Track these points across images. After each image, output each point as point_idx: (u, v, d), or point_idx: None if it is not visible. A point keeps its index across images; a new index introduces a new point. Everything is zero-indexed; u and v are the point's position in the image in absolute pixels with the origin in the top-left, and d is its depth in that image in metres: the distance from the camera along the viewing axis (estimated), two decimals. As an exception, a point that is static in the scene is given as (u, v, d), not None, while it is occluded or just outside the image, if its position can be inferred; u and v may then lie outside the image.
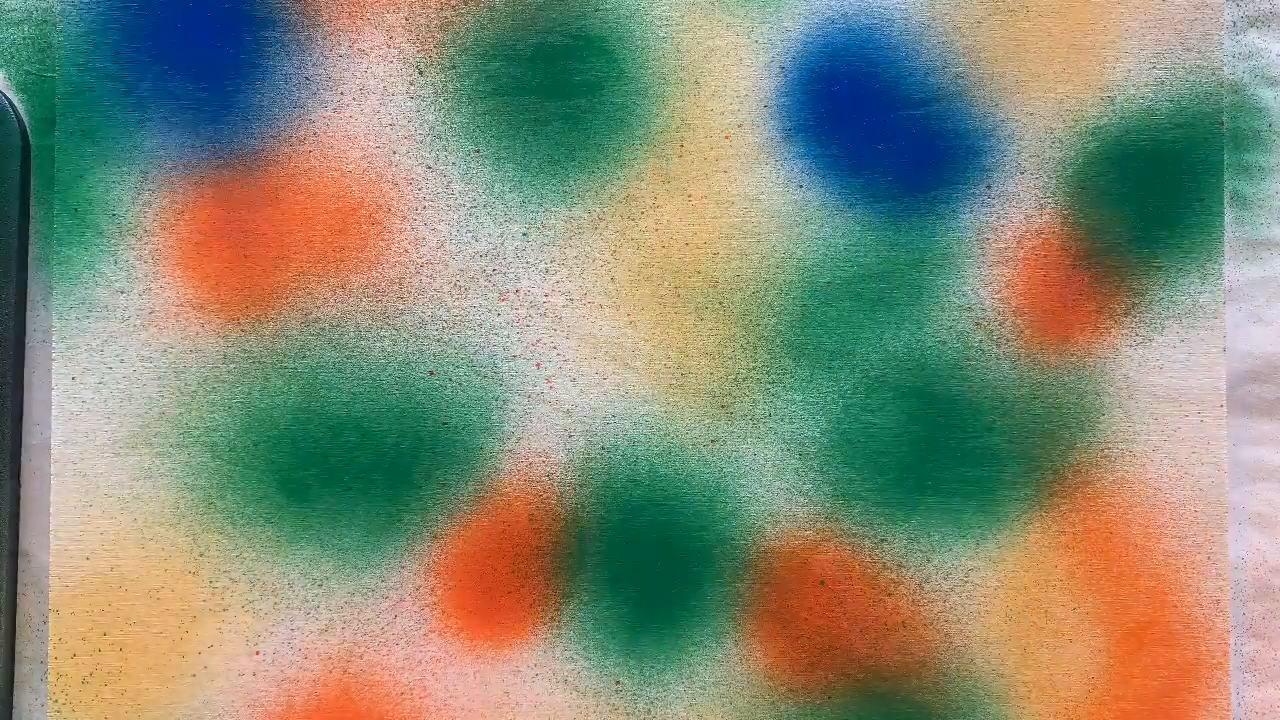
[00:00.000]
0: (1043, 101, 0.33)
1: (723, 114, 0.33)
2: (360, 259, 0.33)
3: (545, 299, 0.33)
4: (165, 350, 0.32)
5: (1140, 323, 0.33)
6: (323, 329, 0.32)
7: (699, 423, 0.33)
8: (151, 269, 0.32)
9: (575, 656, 0.33)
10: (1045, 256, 0.33)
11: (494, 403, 0.33)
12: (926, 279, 0.33)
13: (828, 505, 0.33)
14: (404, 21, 0.33)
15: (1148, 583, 0.33)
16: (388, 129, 0.33)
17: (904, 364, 0.33)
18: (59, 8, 0.33)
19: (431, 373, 0.33)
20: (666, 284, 0.33)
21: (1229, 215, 0.34)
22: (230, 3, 0.33)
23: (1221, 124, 0.33)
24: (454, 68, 0.33)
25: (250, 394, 0.32)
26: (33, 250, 0.33)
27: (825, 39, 0.33)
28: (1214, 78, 0.33)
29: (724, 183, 0.33)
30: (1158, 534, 0.33)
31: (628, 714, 0.32)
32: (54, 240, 0.32)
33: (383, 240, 0.33)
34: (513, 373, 0.33)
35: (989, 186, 0.33)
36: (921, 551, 0.33)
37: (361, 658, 0.32)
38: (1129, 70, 0.33)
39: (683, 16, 0.33)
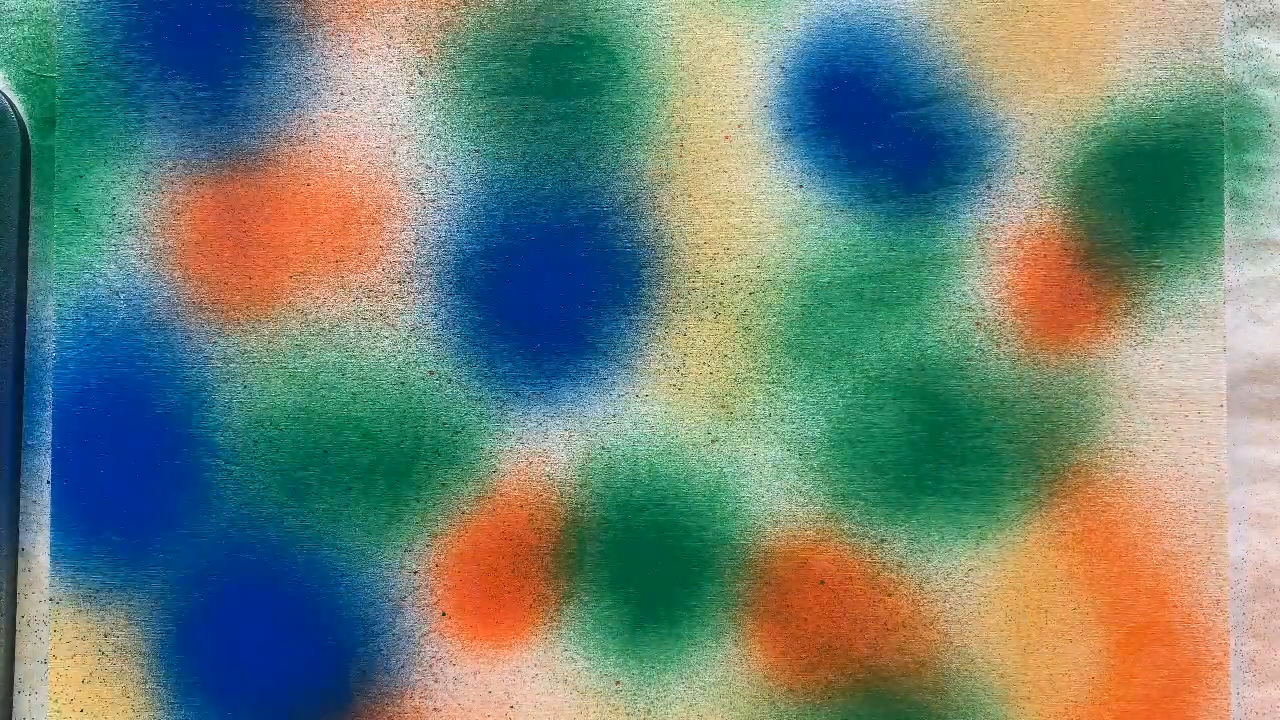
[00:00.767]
0: (1043, 101, 0.33)
1: (723, 114, 0.33)
2: (360, 259, 0.33)
3: (545, 299, 0.33)
4: (165, 350, 0.32)
5: (1140, 323, 0.33)
6: (323, 329, 0.32)
7: (699, 423, 0.33)
8: (151, 269, 0.32)
9: (575, 656, 0.33)
10: (1045, 256, 0.33)
11: (494, 403, 0.33)
12: (926, 279, 0.33)
13: (828, 505, 0.33)
14: (404, 21, 0.33)
15: (1148, 583, 0.33)
16: (388, 129, 0.33)
17: (904, 364, 0.33)
18: (59, 8, 0.33)
19: (431, 373, 0.33)
20: (666, 284, 0.33)
21: (1229, 215, 0.34)
22: (230, 3, 0.33)
23: (1221, 124, 0.33)
24: (454, 68, 0.33)
25: (250, 394, 0.32)
26: (33, 250, 0.33)
27: (825, 39, 0.33)
28: (1214, 78, 0.33)
29: (724, 183, 0.33)
30: (1158, 534, 0.33)
31: (628, 714, 0.32)
32: (54, 240, 0.32)
33: (383, 240, 0.33)
34: (513, 373, 0.33)
35: (989, 186, 0.33)
36: (921, 551, 0.33)
37: (362, 658, 0.32)
38: (1129, 70, 0.33)
39: (683, 16, 0.33)
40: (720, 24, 0.33)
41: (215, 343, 0.32)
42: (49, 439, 0.32)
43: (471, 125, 0.33)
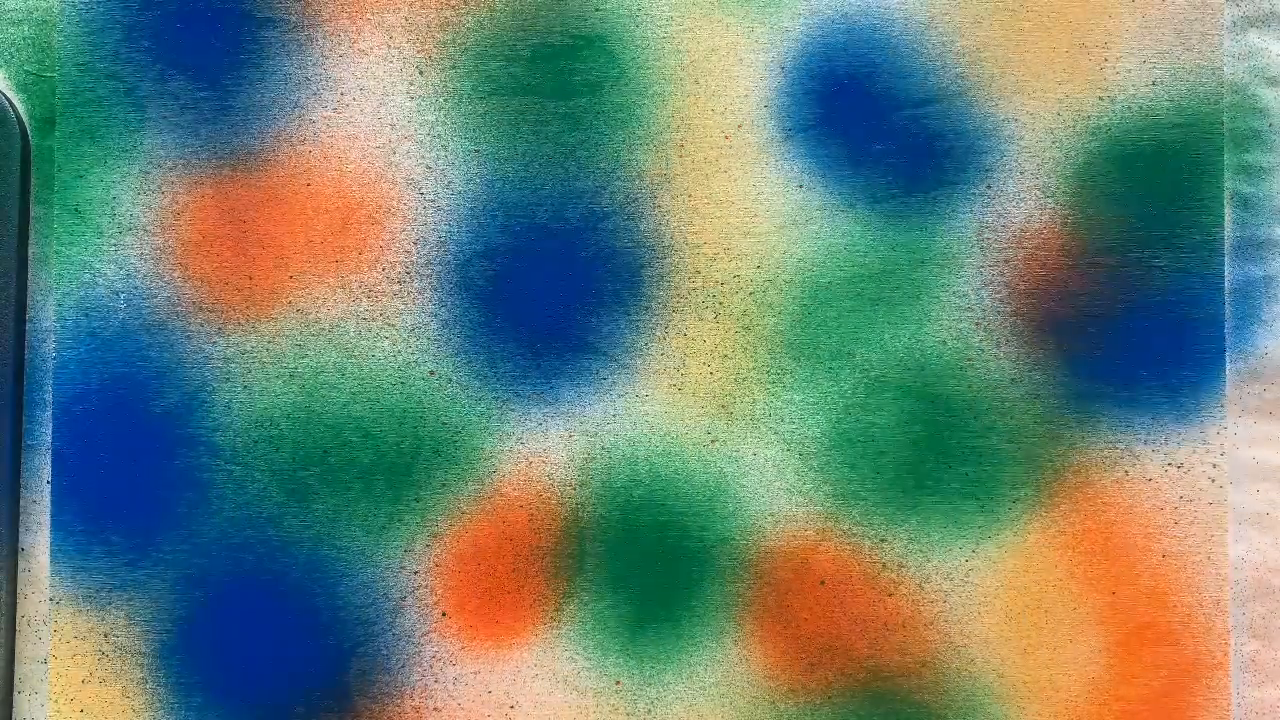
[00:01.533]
0: (1043, 101, 0.33)
1: (723, 114, 0.33)
2: (360, 259, 0.33)
3: (545, 299, 0.33)
4: (165, 350, 0.32)
5: (1140, 323, 0.33)
6: (323, 329, 0.32)
7: (699, 423, 0.33)
8: (151, 269, 0.32)
9: (575, 656, 0.33)
10: (1045, 256, 0.33)
11: (494, 403, 0.33)
12: (926, 279, 0.33)
13: (828, 505, 0.33)
14: (404, 21, 0.33)
15: (1148, 583, 0.33)
16: (388, 129, 0.33)
17: (904, 364, 0.33)
18: (59, 8, 0.33)
19: (431, 373, 0.33)
20: (666, 284, 0.33)
21: (1229, 215, 0.34)
22: (230, 3, 0.33)
23: (1221, 124, 0.33)
24: (454, 68, 0.33)
25: (250, 394, 0.32)
26: (33, 250, 0.33)
27: (825, 39, 0.33)
28: (1214, 78, 0.33)
29: (724, 183, 0.33)
30: (1158, 534, 0.33)
31: (628, 714, 0.32)
32: (54, 240, 0.32)
33: (383, 240, 0.33)
34: (513, 373, 0.33)
35: (989, 186, 0.33)
36: (921, 551, 0.33)
37: (362, 658, 0.32)
38: (1129, 70, 0.33)
39: (683, 16, 0.33)
40: (720, 24, 0.33)
41: (215, 343, 0.32)
42: (49, 439, 0.32)
43: (471, 125, 0.33)
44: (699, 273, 0.33)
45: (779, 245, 0.33)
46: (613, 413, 0.33)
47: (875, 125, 0.33)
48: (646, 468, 0.33)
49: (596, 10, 0.33)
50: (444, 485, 0.32)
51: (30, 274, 0.33)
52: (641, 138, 0.33)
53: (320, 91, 0.33)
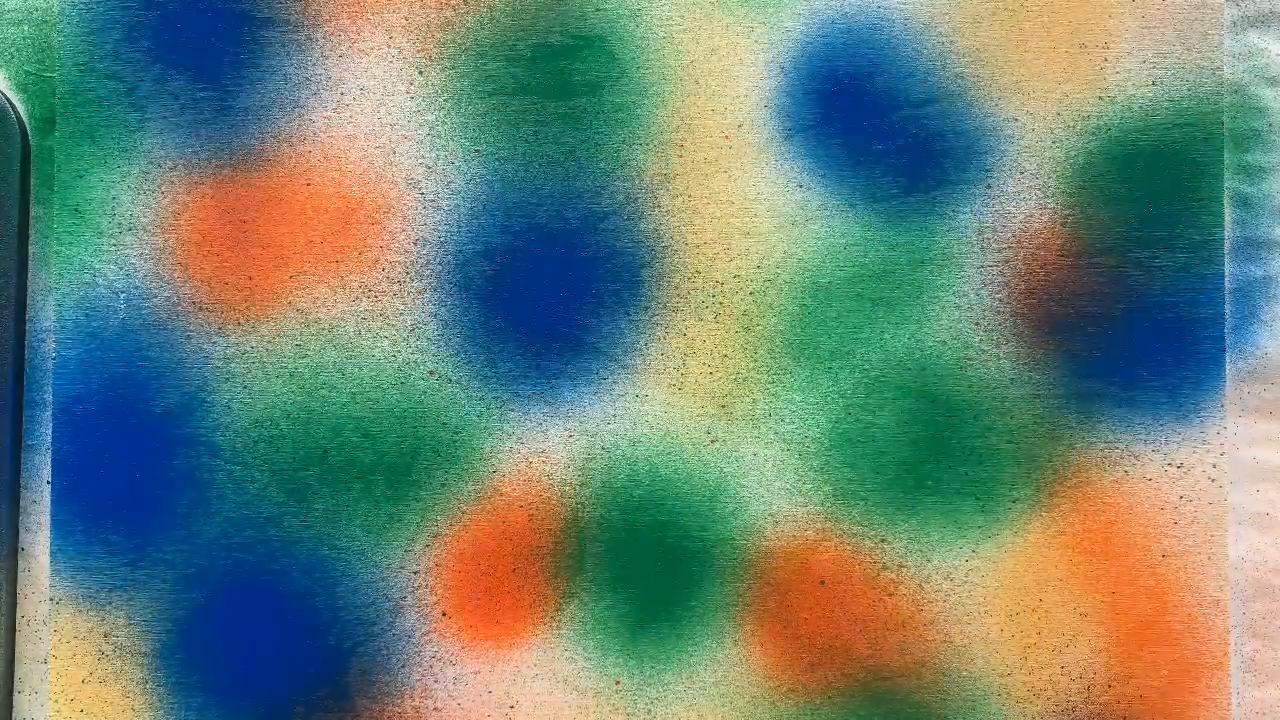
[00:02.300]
0: (1043, 101, 0.33)
1: (723, 114, 0.33)
2: (360, 259, 0.33)
3: (545, 299, 0.33)
4: (165, 350, 0.32)
5: (1140, 323, 0.33)
6: (323, 329, 0.32)
7: (699, 423, 0.33)
8: (151, 269, 0.32)
9: (575, 656, 0.33)
10: (1045, 256, 0.33)
11: (494, 403, 0.33)
12: (926, 279, 0.33)
13: (828, 505, 0.33)
14: (404, 21, 0.33)
15: (1148, 583, 0.33)
16: (388, 129, 0.33)
17: (904, 364, 0.33)
18: (59, 8, 0.33)
19: (431, 373, 0.33)
20: (666, 284, 0.33)
21: (1229, 215, 0.34)
22: (230, 3, 0.33)
23: (1221, 124, 0.33)
24: (454, 68, 0.33)
25: (250, 394, 0.32)
26: (33, 250, 0.33)
27: (825, 39, 0.33)
28: (1214, 78, 0.33)
29: (724, 183, 0.33)
30: (1158, 534, 0.33)
31: (628, 714, 0.32)
32: (54, 240, 0.32)
33: (383, 240, 0.33)
34: (513, 373, 0.33)
35: (989, 186, 0.33)
36: (921, 551, 0.33)
37: (362, 658, 0.32)
38: (1129, 70, 0.33)
39: (683, 16, 0.33)
40: (720, 24, 0.33)
41: (215, 343, 0.32)
42: (49, 439, 0.32)
43: (471, 125, 0.33)
44: (699, 273, 0.33)
45: (779, 245, 0.33)
46: (613, 413, 0.33)
47: (875, 125, 0.33)
48: (646, 468, 0.33)
49: (596, 10, 0.33)
50: (444, 485, 0.32)
51: (30, 274, 0.33)
52: (641, 138, 0.33)
53: (320, 91, 0.33)
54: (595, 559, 0.33)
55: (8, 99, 0.33)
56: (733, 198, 0.33)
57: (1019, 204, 0.33)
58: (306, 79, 0.33)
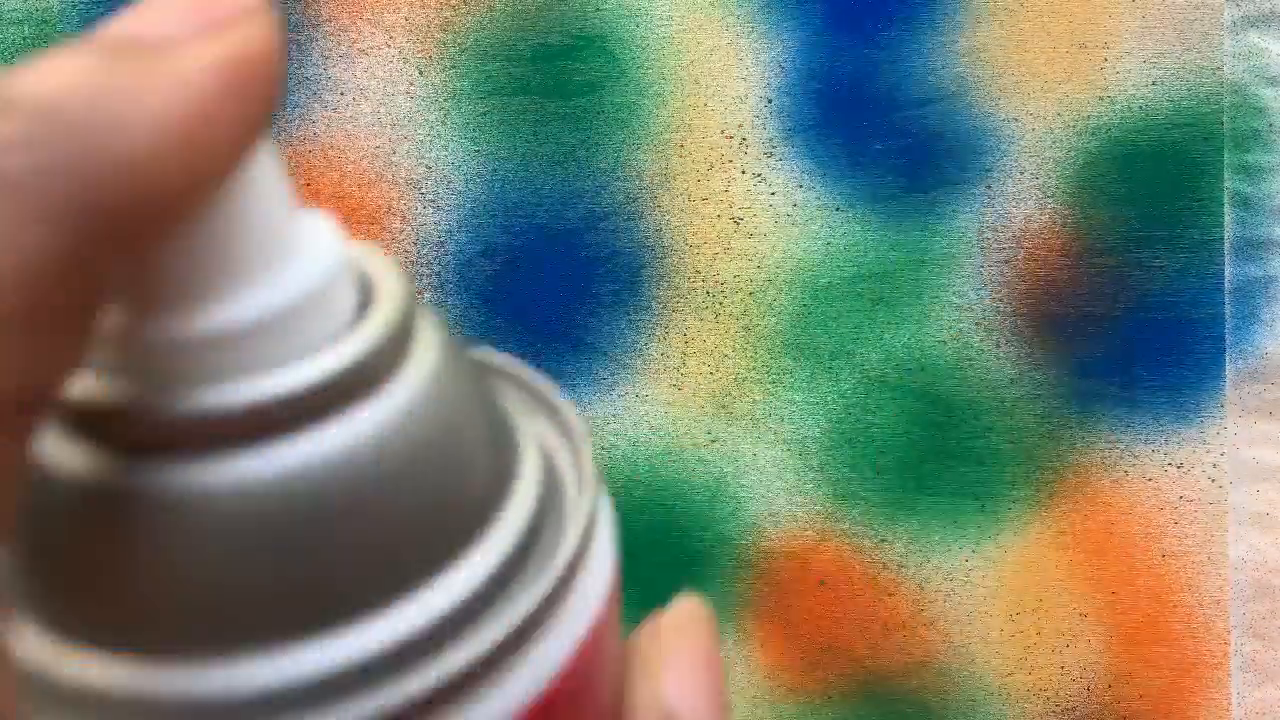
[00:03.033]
0: (1043, 101, 0.33)
1: (723, 114, 0.33)
2: (360, 259, 0.33)
3: (545, 299, 0.33)
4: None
5: (1140, 323, 0.33)
6: (323, 329, 0.32)
7: (699, 423, 0.33)
8: (151, 269, 0.32)
9: (575, 656, 0.32)
10: (1045, 256, 0.33)
11: (494, 403, 0.33)
12: (926, 279, 0.33)
13: (828, 505, 0.33)
14: (404, 21, 0.33)
15: (1148, 583, 0.33)
16: (388, 129, 0.33)
17: (904, 364, 0.33)
18: (59, 8, 0.33)
19: (431, 373, 0.33)
20: (666, 284, 0.33)
21: (1229, 215, 0.34)
22: (230, 3, 0.33)
23: (1221, 124, 0.33)
24: (454, 68, 0.33)
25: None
26: (33, 250, 0.33)
27: (825, 39, 0.33)
28: (1214, 78, 0.33)
29: (724, 183, 0.33)
30: (1158, 534, 0.33)
31: (628, 714, 0.32)
32: (54, 240, 0.32)
33: (383, 240, 0.33)
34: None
35: (989, 186, 0.33)
36: (921, 551, 0.33)
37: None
38: (1129, 70, 0.33)
39: (683, 16, 0.33)
40: (720, 24, 0.33)
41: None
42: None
43: (471, 125, 0.33)
44: (699, 273, 0.33)
45: (779, 245, 0.33)
46: (613, 413, 0.33)
47: (875, 125, 0.33)
48: (646, 468, 0.33)
49: (596, 10, 0.33)
50: (444, 485, 0.32)
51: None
52: (641, 138, 0.33)
53: (320, 91, 0.33)
54: (595, 559, 0.33)
55: (8, 99, 0.33)
56: (733, 198, 0.33)
57: (1019, 204, 0.33)
58: (306, 79, 0.33)
